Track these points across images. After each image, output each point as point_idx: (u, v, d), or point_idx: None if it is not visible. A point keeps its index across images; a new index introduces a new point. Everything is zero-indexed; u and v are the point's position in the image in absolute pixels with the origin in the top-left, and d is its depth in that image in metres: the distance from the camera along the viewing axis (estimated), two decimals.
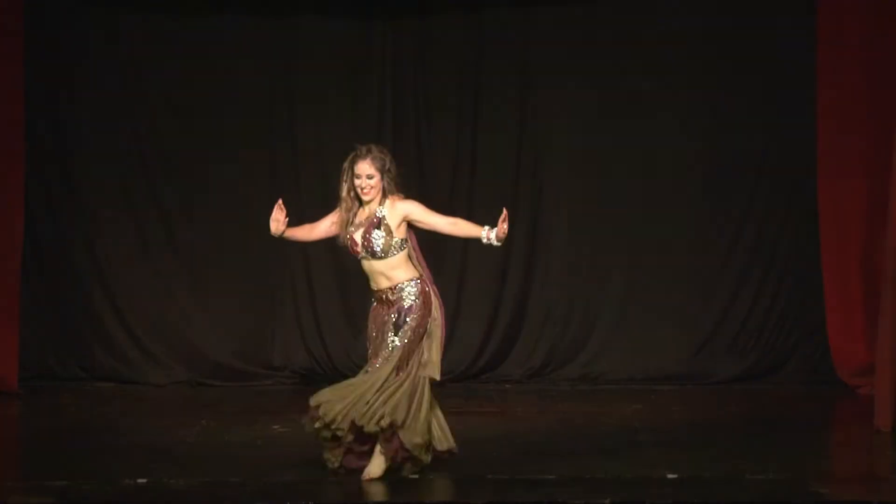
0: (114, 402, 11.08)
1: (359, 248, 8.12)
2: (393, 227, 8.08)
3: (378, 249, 8.06)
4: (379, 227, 8.07)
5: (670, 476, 8.08)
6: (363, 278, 11.72)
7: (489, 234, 8.08)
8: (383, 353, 8.05)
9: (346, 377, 11.60)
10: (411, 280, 8.10)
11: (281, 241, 8.45)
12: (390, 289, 8.10)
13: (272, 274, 11.82)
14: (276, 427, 9.80)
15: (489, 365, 11.82)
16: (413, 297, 8.06)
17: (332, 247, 11.71)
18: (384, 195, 8.12)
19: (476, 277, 11.81)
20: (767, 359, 11.70)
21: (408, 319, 8.03)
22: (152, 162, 11.77)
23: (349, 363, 11.73)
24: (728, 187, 11.70)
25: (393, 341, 8.03)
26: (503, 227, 8.06)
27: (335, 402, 7.98)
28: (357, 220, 8.14)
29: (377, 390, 7.96)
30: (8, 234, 11.28)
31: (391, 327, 8.05)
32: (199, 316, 11.78)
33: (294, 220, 11.81)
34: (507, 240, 11.44)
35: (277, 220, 8.20)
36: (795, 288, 11.71)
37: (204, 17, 11.70)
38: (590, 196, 11.75)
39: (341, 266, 11.76)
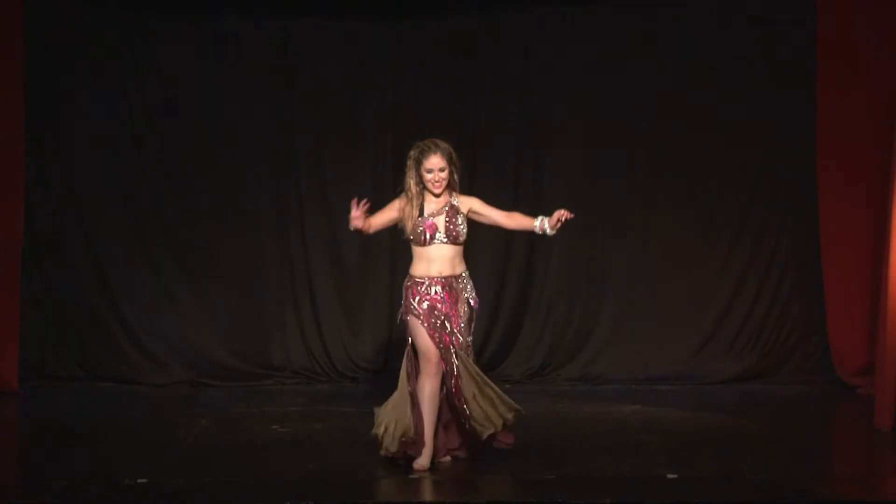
0: (114, 402, 11.08)
1: (440, 233, 8.32)
2: (465, 217, 8.39)
3: (459, 235, 8.32)
4: (459, 215, 8.34)
5: (670, 476, 8.08)
6: (363, 278, 11.85)
7: (543, 224, 8.38)
8: (467, 350, 8.35)
9: (345, 377, 11.74)
10: (465, 271, 8.45)
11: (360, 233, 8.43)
12: (455, 277, 8.38)
13: (272, 274, 11.81)
14: (276, 427, 9.79)
15: (489, 365, 11.79)
16: (472, 291, 8.45)
17: (333, 246, 11.84)
18: (449, 187, 8.37)
19: (476, 277, 11.75)
20: (767, 359, 11.70)
21: (474, 317, 8.43)
22: (152, 162, 11.76)
23: (349, 363, 11.74)
24: (728, 188, 11.70)
25: (469, 340, 8.39)
26: (557, 219, 8.32)
27: (492, 418, 8.36)
28: (431, 209, 8.34)
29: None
30: (8, 234, 11.27)
31: (466, 326, 8.38)
32: (199, 316, 11.77)
33: (294, 219, 11.89)
34: (507, 239, 11.67)
35: (359, 218, 8.20)
36: (795, 288, 11.71)
37: (204, 17, 11.69)
38: (590, 196, 11.74)
39: (341, 266, 11.76)
